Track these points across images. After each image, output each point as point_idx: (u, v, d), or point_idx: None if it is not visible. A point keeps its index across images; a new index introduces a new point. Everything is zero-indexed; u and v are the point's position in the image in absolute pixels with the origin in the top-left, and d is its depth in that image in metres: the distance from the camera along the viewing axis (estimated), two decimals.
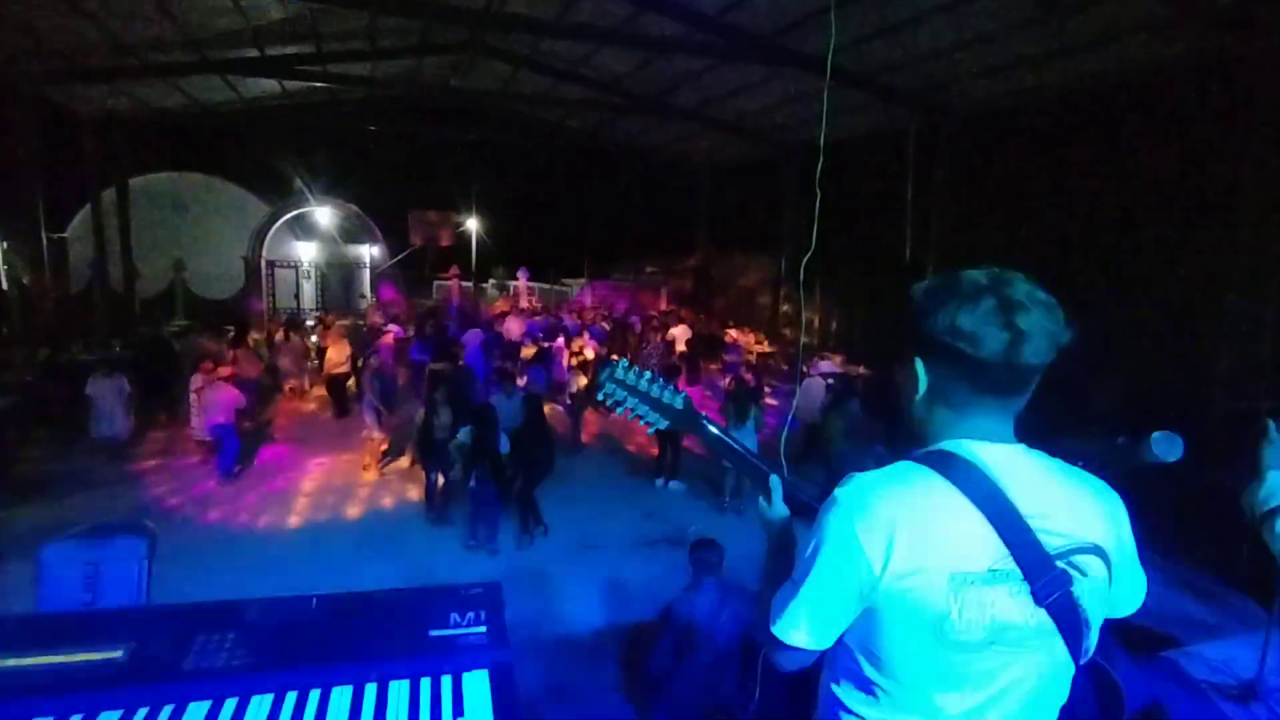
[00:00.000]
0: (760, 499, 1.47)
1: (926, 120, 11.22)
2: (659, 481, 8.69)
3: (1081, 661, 1.20)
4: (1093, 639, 1.20)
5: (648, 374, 1.43)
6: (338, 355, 11.14)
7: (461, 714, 1.43)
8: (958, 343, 1.12)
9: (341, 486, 8.36)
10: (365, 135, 19.12)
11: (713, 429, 1.47)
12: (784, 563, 1.33)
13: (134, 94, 13.68)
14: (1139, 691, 1.44)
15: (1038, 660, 1.16)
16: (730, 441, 1.48)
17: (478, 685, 1.50)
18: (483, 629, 1.61)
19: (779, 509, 1.44)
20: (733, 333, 15.33)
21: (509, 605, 1.73)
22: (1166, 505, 2.24)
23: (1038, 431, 1.24)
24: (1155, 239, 7.89)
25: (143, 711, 1.42)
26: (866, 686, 1.20)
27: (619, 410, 1.42)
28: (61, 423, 9.45)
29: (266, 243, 19.32)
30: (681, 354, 12.48)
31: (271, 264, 19.50)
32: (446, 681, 1.51)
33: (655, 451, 8.98)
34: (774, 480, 1.45)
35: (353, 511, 7.69)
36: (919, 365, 1.21)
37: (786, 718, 3.69)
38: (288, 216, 19.59)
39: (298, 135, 18.69)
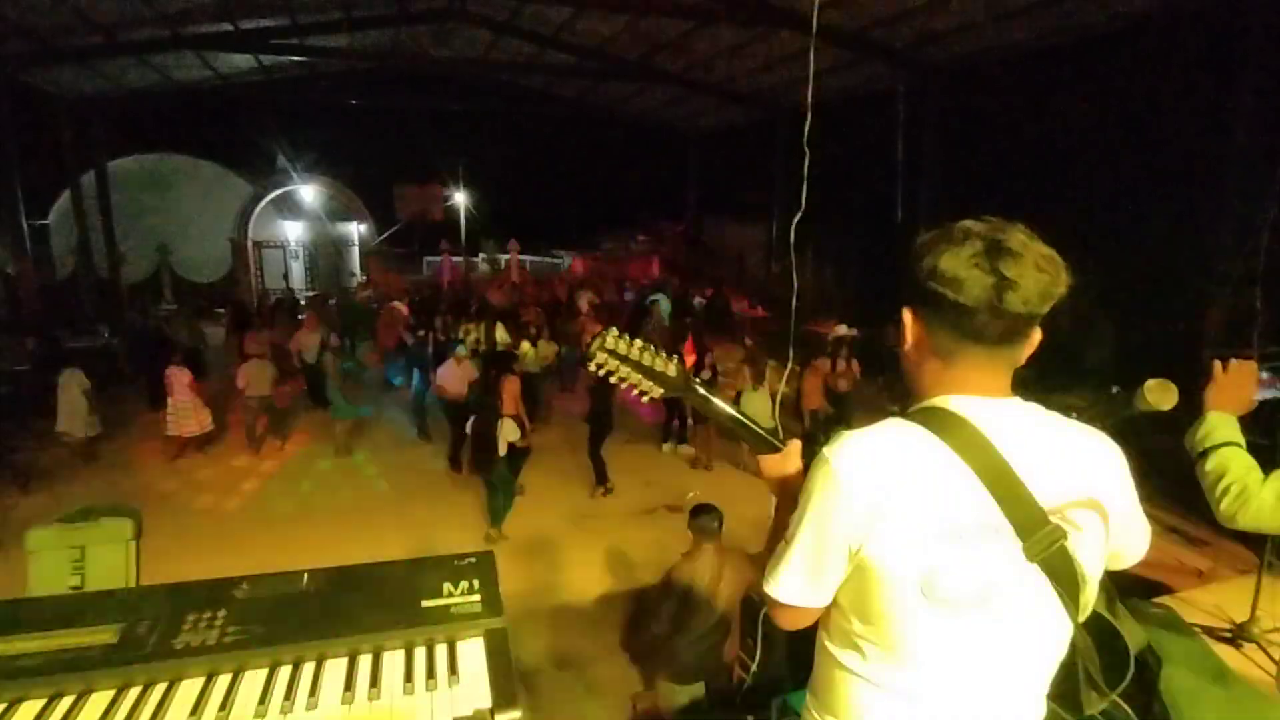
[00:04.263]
0: (766, 460, 1.44)
1: (915, 76, 11.06)
2: (666, 445, 8.74)
3: (1081, 618, 1.19)
4: (1090, 594, 1.19)
5: (639, 341, 1.40)
6: (309, 342, 10.96)
7: (457, 681, 1.43)
8: (939, 286, 1.10)
9: (330, 469, 8.39)
10: (347, 110, 18.80)
11: (706, 395, 1.45)
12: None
13: (108, 75, 13.38)
14: (1134, 638, 1.43)
15: (1031, 616, 1.15)
16: (727, 407, 1.45)
17: (473, 653, 1.50)
18: (476, 597, 1.61)
19: (793, 463, 1.41)
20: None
21: (511, 575, 1.72)
22: (1157, 454, 2.24)
23: (1029, 386, 1.22)
24: (1146, 190, 7.84)
25: (135, 691, 1.41)
26: (857, 644, 1.20)
27: (611, 379, 1.40)
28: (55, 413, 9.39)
29: (252, 223, 19.07)
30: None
31: (258, 245, 19.28)
32: (441, 650, 1.51)
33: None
34: (793, 443, 1.42)
35: (345, 491, 7.71)
36: (907, 315, 1.20)
37: (786, 678, 3.75)
38: (272, 195, 19.32)
39: (278, 112, 18.37)
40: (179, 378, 8.50)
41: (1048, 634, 1.19)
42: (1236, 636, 3.88)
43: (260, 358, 9.02)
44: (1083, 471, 1.16)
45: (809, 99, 2.99)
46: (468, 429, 6.78)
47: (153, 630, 1.51)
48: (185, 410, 8.49)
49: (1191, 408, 2.01)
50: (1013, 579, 1.11)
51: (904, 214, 11.54)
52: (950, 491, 1.09)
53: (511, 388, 7.13)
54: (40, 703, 1.38)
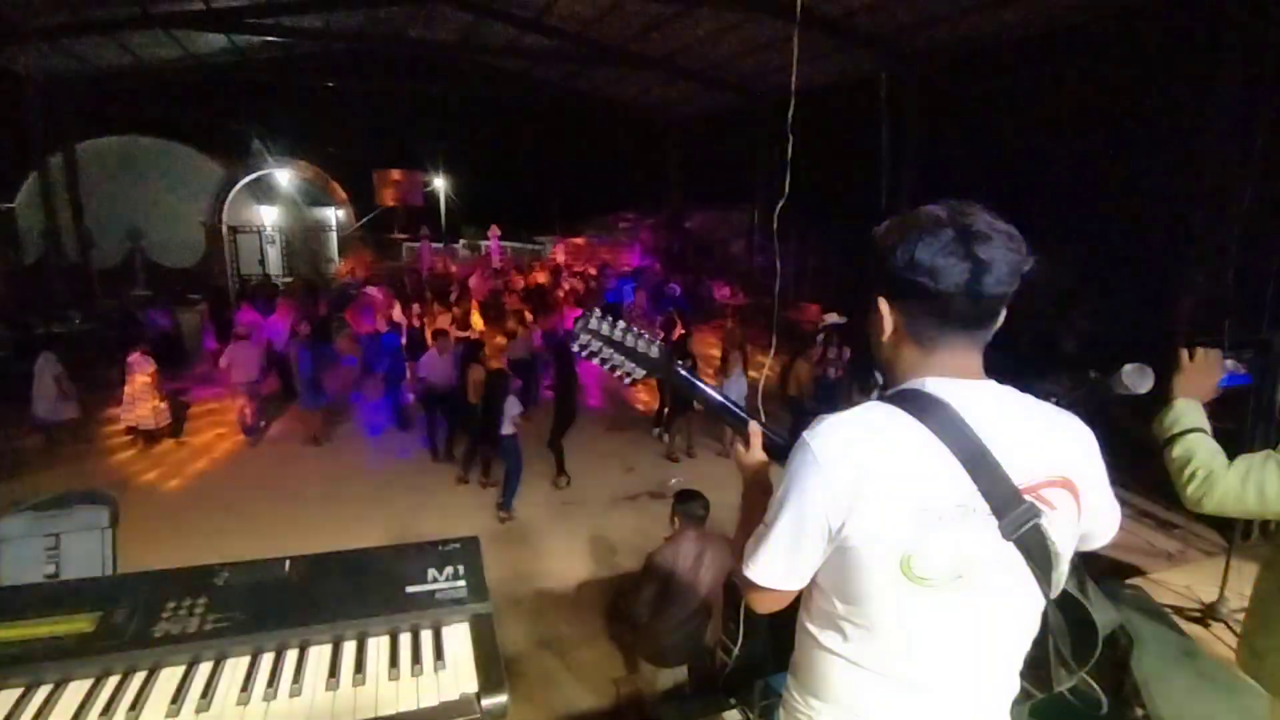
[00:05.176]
0: (738, 444, 1.47)
1: (898, 64, 11.08)
2: (656, 431, 8.75)
3: (1052, 595, 1.21)
4: (1062, 572, 1.21)
5: (622, 323, 1.41)
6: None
7: (443, 666, 1.42)
8: (918, 277, 1.11)
9: (305, 457, 8.32)
10: (324, 92, 18.40)
11: (688, 376, 1.46)
12: (760, 507, 1.33)
13: (77, 54, 13.01)
14: (1104, 618, 1.46)
15: (1007, 594, 1.17)
16: (706, 388, 1.47)
17: (458, 637, 1.50)
18: (462, 583, 1.60)
19: (756, 454, 1.44)
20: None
21: (493, 562, 1.72)
22: (1128, 439, 2.29)
23: (1006, 374, 1.23)
24: (1121, 178, 7.94)
25: (114, 679, 1.39)
26: (838, 624, 1.21)
27: (594, 360, 1.40)
28: (22, 400, 9.19)
29: (226, 207, 18.69)
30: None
31: (233, 230, 18.92)
32: (426, 635, 1.50)
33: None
34: (752, 425, 1.44)
35: (321, 479, 7.64)
36: (883, 305, 1.20)
37: (768, 661, 3.79)
38: (247, 180, 18.94)
39: (252, 94, 17.93)
40: (142, 367, 8.16)
41: (1022, 611, 1.21)
42: (1205, 616, 3.99)
43: (245, 340, 8.87)
44: (1056, 452, 1.18)
45: (793, 85, 2.99)
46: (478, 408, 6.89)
47: (131, 618, 1.49)
48: (143, 401, 8.14)
49: (1167, 392, 2.05)
50: (989, 557, 1.13)
51: (886, 201, 11.58)
52: (928, 472, 1.11)
53: (475, 376, 7.19)
54: (16, 692, 1.36)
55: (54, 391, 8.02)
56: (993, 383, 1.20)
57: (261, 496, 7.16)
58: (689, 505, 4.15)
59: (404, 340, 9.92)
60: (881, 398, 1.21)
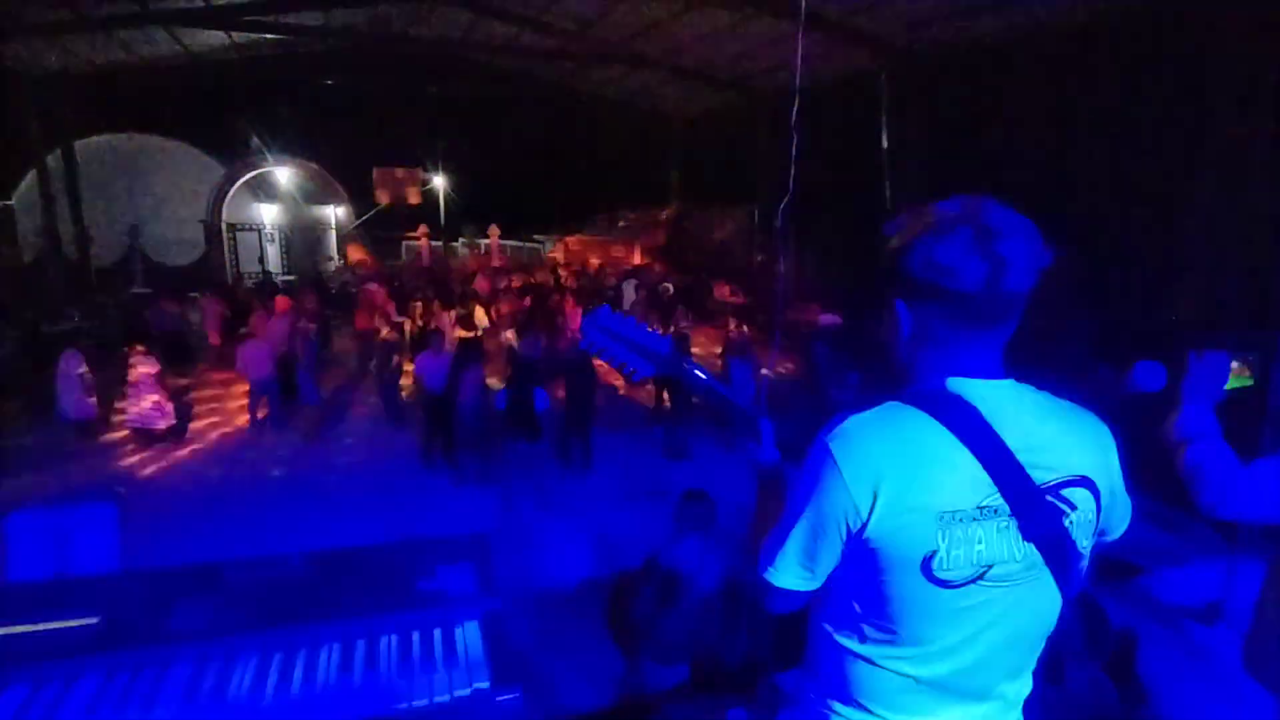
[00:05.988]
0: (750, 444, 1.45)
1: (900, 63, 11.07)
2: (655, 429, 8.75)
3: (1070, 595, 1.21)
4: (1081, 570, 1.20)
5: (631, 319, 1.40)
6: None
7: (455, 663, 1.42)
8: (937, 277, 1.09)
9: (305, 455, 8.32)
10: (323, 90, 18.39)
11: (699, 374, 1.45)
12: (774, 507, 1.32)
13: (75, 50, 12.98)
14: (1112, 615, 1.46)
15: (1025, 594, 1.16)
16: (716, 386, 1.46)
17: (470, 634, 1.49)
18: (472, 580, 1.60)
19: (770, 452, 1.42)
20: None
21: (494, 560, 1.71)
22: (1129, 436, 2.27)
23: (1012, 372, 1.22)
24: (1123, 177, 7.93)
25: (124, 677, 1.38)
26: (856, 624, 1.21)
27: (602, 358, 1.39)
28: (28, 398, 9.17)
29: (226, 205, 18.68)
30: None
31: (233, 228, 18.90)
32: (437, 633, 1.50)
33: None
34: (765, 424, 1.43)
35: (320, 477, 7.63)
36: (900, 306, 1.18)
37: (772, 660, 3.79)
38: (246, 177, 18.93)
39: (251, 91, 17.92)
40: (144, 365, 8.07)
41: (1041, 610, 1.21)
42: (1208, 615, 3.99)
43: (254, 338, 8.84)
44: (1076, 451, 1.17)
45: (795, 84, 2.99)
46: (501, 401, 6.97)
47: (140, 616, 1.48)
48: (147, 400, 8.08)
49: (1175, 396, 2.04)
50: (1009, 558, 1.13)
51: (891, 201, 11.57)
52: (949, 473, 1.10)
53: (475, 376, 7.17)
54: (25, 690, 1.35)
55: (78, 389, 8.00)
56: (1012, 381, 1.19)
57: (264, 494, 7.16)
58: (694, 505, 4.14)
59: (405, 339, 9.92)
60: (900, 397, 1.19)
